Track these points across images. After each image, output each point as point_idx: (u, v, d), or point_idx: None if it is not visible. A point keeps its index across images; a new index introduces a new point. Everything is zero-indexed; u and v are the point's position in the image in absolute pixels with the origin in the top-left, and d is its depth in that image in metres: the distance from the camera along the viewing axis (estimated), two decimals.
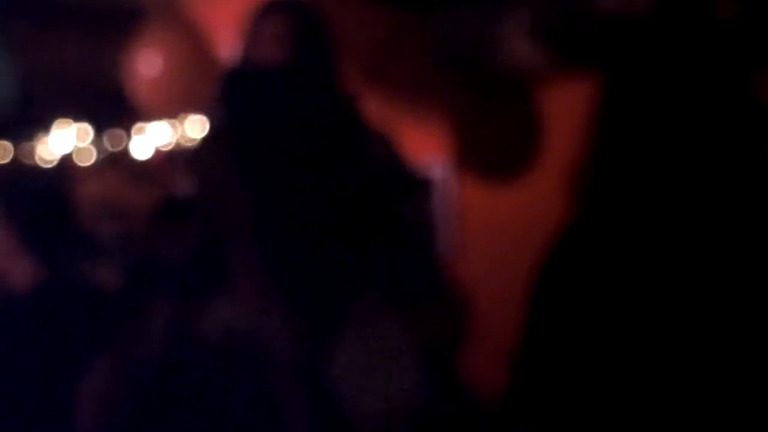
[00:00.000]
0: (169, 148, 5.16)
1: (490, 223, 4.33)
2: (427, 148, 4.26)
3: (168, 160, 5.20)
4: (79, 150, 5.38)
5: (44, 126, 5.53)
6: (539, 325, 2.29)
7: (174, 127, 5.03)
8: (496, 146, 4.35)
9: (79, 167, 5.36)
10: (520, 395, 2.27)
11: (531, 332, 2.31)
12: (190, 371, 1.84)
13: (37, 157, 5.49)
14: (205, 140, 1.81)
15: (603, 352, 2.13)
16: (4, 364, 3.13)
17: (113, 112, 5.29)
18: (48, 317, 3.22)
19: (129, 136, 5.27)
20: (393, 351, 1.78)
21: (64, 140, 5.41)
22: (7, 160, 5.56)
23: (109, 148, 5.33)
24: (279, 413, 1.72)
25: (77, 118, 5.44)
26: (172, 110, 4.41)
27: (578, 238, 2.26)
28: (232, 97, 1.79)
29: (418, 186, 3.05)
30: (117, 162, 5.40)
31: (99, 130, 5.35)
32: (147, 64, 4.25)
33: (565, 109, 4.00)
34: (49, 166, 5.42)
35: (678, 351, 2.07)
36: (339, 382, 1.71)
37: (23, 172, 5.44)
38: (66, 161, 5.41)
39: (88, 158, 5.37)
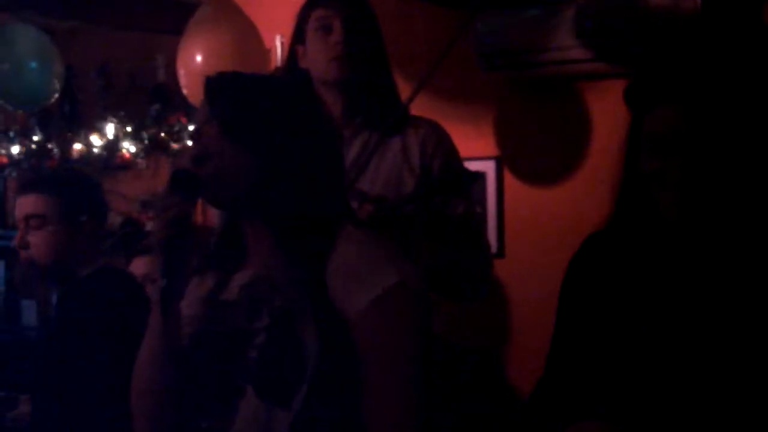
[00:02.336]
0: None
1: (535, 224, 4.31)
2: (474, 147, 4.25)
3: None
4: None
5: (91, 122, 5.56)
6: (565, 326, 2.29)
7: None
8: (543, 146, 4.33)
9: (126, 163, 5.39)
10: (549, 393, 2.27)
11: (559, 332, 2.31)
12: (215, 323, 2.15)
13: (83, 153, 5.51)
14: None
15: (628, 353, 2.12)
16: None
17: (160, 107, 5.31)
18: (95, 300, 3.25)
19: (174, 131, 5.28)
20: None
21: (110, 135, 5.43)
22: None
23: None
24: (294, 333, 1.99)
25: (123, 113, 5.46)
26: None
27: (606, 239, 2.25)
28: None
29: (468, 182, 3.04)
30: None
31: (145, 126, 5.37)
32: (196, 57, 4.26)
33: (613, 109, 3.98)
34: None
35: (703, 356, 2.06)
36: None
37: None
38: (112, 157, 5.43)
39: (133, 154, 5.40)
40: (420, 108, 3.31)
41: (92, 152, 5.47)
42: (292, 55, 3.12)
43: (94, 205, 3.39)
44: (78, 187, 3.40)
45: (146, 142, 5.34)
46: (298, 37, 3.10)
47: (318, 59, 3.02)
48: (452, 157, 3.14)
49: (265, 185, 2.07)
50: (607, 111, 4.10)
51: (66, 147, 5.58)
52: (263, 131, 2.08)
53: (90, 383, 3.12)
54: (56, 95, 4.95)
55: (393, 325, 2.00)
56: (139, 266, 4.23)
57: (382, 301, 1.98)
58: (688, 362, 2.05)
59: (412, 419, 2.00)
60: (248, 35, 4.29)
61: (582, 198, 4.13)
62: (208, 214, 5.02)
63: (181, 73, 4.33)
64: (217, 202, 2.19)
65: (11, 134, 5.70)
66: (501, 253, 4.35)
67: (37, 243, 3.31)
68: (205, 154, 2.10)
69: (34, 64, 4.78)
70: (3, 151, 5.71)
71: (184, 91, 4.40)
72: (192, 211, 2.14)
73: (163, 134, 5.27)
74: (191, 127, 5.15)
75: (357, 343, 1.98)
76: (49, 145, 5.63)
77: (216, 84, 2.15)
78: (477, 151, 4.29)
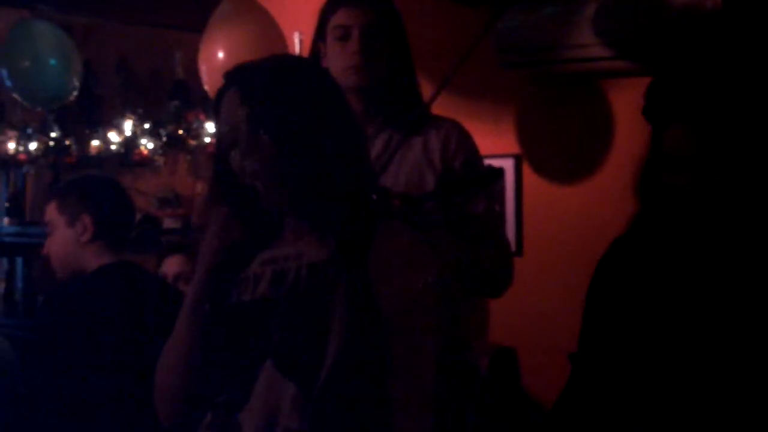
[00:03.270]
0: None
1: (553, 222, 4.30)
2: (493, 145, 4.24)
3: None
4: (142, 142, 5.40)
5: (109, 118, 5.56)
6: (594, 325, 2.27)
7: None
8: (563, 144, 4.32)
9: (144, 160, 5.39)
10: (576, 393, 2.25)
11: (586, 331, 2.30)
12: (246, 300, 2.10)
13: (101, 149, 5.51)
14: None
15: (657, 352, 2.11)
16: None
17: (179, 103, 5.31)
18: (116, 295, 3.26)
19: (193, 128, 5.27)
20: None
21: (128, 132, 5.42)
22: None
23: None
24: (325, 316, 1.98)
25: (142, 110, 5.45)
26: None
27: (635, 240, 2.24)
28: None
29: (489, 180, 3.03)
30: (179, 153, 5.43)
31: (163, 122, 5.36)
32: (218, 53, 4.26)
33: (634, 107, 3.97)
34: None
35: (735, 356, 2.05)
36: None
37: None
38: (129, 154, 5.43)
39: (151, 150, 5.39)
40: (440, 105, 3.31)
41: (110, 149, 5.47)
42: (315, 52, 3.12)
43: (99, 204, 3.36)
44: (78, 188, 3.40)
45: (164, 139, 5.34)
46: (320, 35, 3.10)
47: (335, 65, 3.01)
48: (473, 157, 3.14)
49: (314, 179, 2.04)
50: (628, 109, 4.09)
51: (84, 144, 5.58)
52: (303, 131, 2.04)
53: (82, 382, 3.13)
54: (76, 93, 4.95)
55: (426, 320, 2.00)
56: (171, 265, 4.24)
57: (422, 295, 2.00)
58: (716, 367, 2.04)
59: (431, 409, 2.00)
60: (270, 31, 4.29)
61: (601, 196, 4.11)
62: None
63: (203, 69, 4.33)
64: (275, 207, 2.12)
65: (29, 131, 5.71)
66: (519, 251, 4.34)
67: (50, 248, 3.36)
68: (258, 169, 2.05)
69: (53, 62, 4.78)
70: (21, 148, 5.72)
71: (206, 87, 4.39)
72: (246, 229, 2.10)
73: (181, 131, 5.27)
74: (209, 125, 5.15)
75: (389, 332, 1.97)
76: (67, 142, 5.64)
77: (247, 87, 2.08)
78: (496, 149, 4.28)
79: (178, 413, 2.13)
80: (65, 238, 3.33)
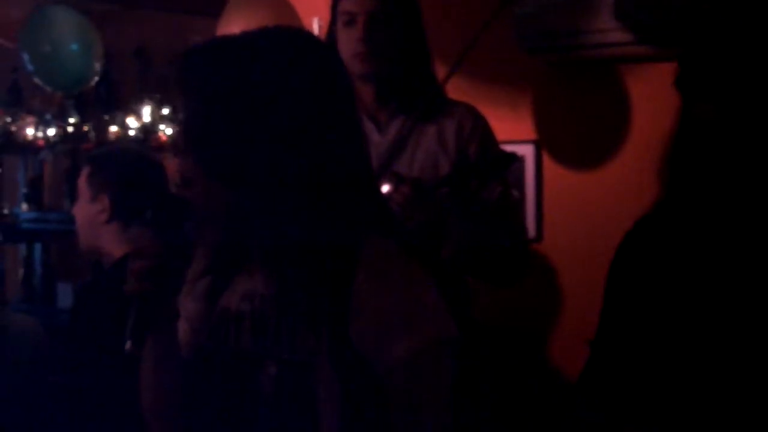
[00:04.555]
0: None
1: (573, 208, 4.28)
2: (513, 131, 4.22)
3: None
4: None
5: (127, 104, 5.55)
6: (614, 309, 2.26)
7: None
8: (582, 130, 4.29)
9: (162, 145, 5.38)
10: (596, 376, 2.24)
11: (606, 316, 2.28)
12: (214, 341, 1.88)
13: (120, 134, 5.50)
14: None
15: (678, 337, 2.09)
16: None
17: None
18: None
19: None
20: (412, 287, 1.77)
21: (147, 118, 5.41)
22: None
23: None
24: (305, 369, 1.74)
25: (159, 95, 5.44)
26: None
27: (657, 223, 2.22)
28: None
29: (504, 165, 3.01)
30: None
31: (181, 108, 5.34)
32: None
33: (654, 93, 3.94)
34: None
35: (755, 342, 2.03)
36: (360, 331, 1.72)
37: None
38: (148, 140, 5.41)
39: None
40: (459, 91, 3.30)
41: (128, 135, 5.45)
42: (331, 37, 3.10)
43: (122, 186, 3.19)
44: (111, 164, 3.25)
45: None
46: (334, 20, 3.09)
47: (343, 51, 3.00)
48: (488, 141, 3.13)
49: (259, 224, 1.75)
50: (648, 95, 4.07)
51: (102, 130, 5.57)
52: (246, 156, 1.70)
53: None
54: (97, 78, 4.95)
55: (429, 381, 1.74)
56: None
57: (420, 355, 1.72)
58: (740, 356, 2.02)
59: None
60: (287, 17, 4.27)
61: (621, 182, 4.10)
62: None
63: None
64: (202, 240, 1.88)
65: (47, 117, 5.70)
66: (539, 237, 4.32)
67: (75, 213, 3.26)
68: (187, 180, 1.74)
69: (74, 47, 4.78)
70: (39, 134, 5.71)
71: None
72: (178, 249, 1.81)
73: None
74: None
75: (386, 395, 1.72)
76: (85, 128, 5.62)
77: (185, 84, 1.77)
78: (516, 135, 4.26)
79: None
80: (86, 212, 3.20)
